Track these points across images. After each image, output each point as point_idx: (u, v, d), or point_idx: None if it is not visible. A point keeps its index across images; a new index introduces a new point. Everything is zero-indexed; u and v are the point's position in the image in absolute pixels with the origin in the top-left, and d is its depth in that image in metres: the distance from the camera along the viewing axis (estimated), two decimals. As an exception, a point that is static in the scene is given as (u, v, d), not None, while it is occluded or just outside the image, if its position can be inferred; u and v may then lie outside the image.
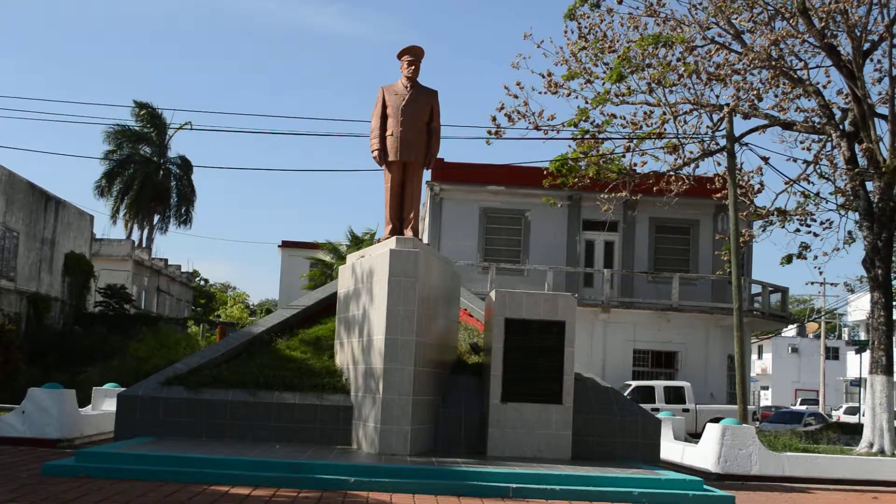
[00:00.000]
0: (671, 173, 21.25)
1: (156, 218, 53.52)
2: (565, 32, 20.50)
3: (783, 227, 21.18)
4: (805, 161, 20.80)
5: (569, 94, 20.31)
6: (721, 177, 21.17)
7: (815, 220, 20.98)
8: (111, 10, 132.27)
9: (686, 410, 26.62)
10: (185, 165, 54.37)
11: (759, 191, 21.53)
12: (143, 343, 28.90)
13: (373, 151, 13.51)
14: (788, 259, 21.11)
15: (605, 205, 21.92)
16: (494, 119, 20.28)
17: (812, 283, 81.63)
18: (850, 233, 20.59)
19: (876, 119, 18.85)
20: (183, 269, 56.69)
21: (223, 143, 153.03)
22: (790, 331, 72.64)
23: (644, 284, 32.55)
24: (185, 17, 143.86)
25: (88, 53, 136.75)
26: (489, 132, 20.38)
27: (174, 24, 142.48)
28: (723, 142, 20.52)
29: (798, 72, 19.57)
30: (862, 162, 18.97)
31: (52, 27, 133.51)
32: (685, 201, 25.49)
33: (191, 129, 50.65)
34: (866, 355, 28.85)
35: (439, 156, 14.56)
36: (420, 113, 13.46)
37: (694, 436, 20.38)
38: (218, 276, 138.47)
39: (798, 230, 20.99)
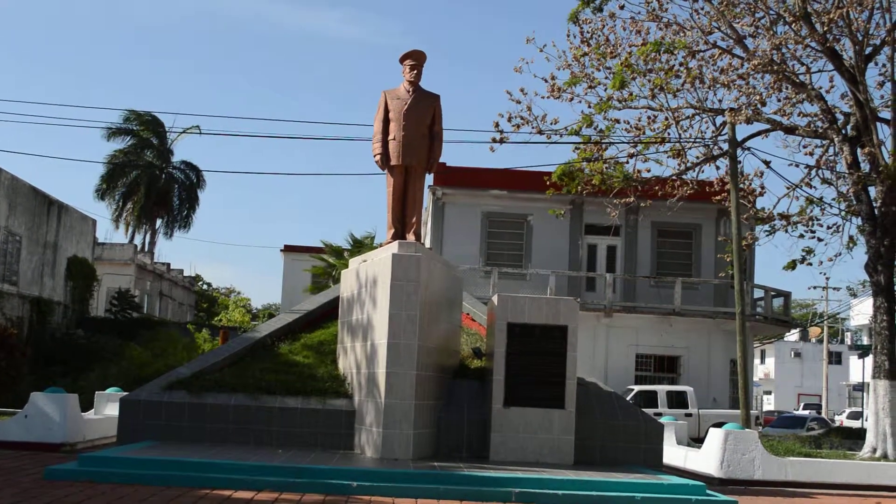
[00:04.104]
0: (674, 178, 21.25)
1: (158, 222, 53.63)
2: (568, 36, 20.53)
3: (786, 231, 21.16)
4: (807, 166, 20.79)
5: (571, 99, 20.33)
6: (723, 181, 21.15)
7: (821, 226, 20.95)
8: (113, 15, 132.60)
9: (689, 415, 26.58)
10: (191, 170, 54.51)
11: (761, 194, 21.51)
12: (145, 347, 28.89)
13: (375, 155, 13.52)
14: (792, 265, 21.08)
15: (612, 211, 21.93)
16: (497, 125, 20.28)
17: (815, 288, 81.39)
18: (851, 237, 20.56)
19: (878, 123, 18.85)
20: (185, 274, 56.76)
21: (225, 148, 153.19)
22: (793, 335, 72.51)
23: (646, 289, 32.54)
24: (185, 22, 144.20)
25: (91, 58, 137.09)
26: (493, 139, 20.38)
27: (175, 29, 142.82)
28: (725, 146, 20.52)
29: (800, 76, 19.56)
30: (864, 167, 18.96)
31: (56, 31, 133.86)
32: (687, 206, 25.50)
33: (199, 133, 50.75)
34: (869, 360, 28.82)
35: (441, 160, 14.56)
36: (422, 117, 13.47)
37: (697, 440, 20.35)
38: (220, 280, 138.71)
39: (802, 236, 20.97)
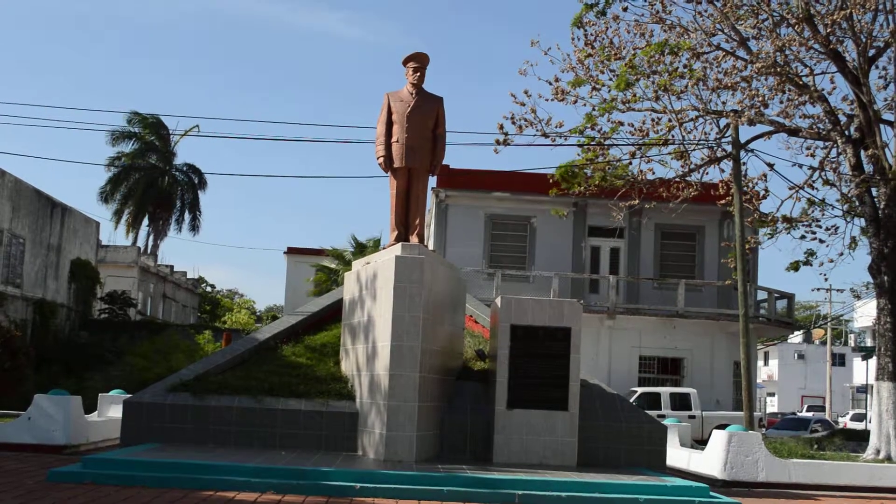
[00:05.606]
0: (678, 180, 21.24)
1: (161, 224, 53.65)
2: (572, 40, 20.53)
3: (789, 233, 21.15)
4: (810, 167, 20.78)
5: (575, 102, 20.33)
6: (726, 183, 21.14)
7: (820, 227, 20.95)
8: (113, 17, 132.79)
9: (692, 417, 26.57)
10: (194, 173, 54.54)
11: (765, 197, 21.49)
12: (148, 350, 28.93)
13: (378, 158, 13.51)
14: (795, 266, 21.06)
15: (616, 213, 21.92)
16: (502, 127, 20.28)
17: (818, 290, 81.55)
18: (854, 238, 20.54)
19: (881, 125, 18.84)
20: (188, 276, 56.78)
21: (228, 151, 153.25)
22: (796, 337, 72.42)
23: (650, 291, 32.53)
24: (186, 24, 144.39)
25: (92, 60, 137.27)
26: (497, 141, 20.38)
27: (176, 31, 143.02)
28: (729, 148, 20.51)
29: (803, 78, 19.55)
30: (867, 168, 18.95)
31: (56, 32, 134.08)
32: (691, 208, 25.48)
33: (198, 132, 50.71)
34: (873, 362, 28.78)
35: (444, 162, 14.55)
36: (425, 119, 13.46)
37: (700, 442, 20.32)
38: (223, 282, 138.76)
39: (804, 237, 20.96)
